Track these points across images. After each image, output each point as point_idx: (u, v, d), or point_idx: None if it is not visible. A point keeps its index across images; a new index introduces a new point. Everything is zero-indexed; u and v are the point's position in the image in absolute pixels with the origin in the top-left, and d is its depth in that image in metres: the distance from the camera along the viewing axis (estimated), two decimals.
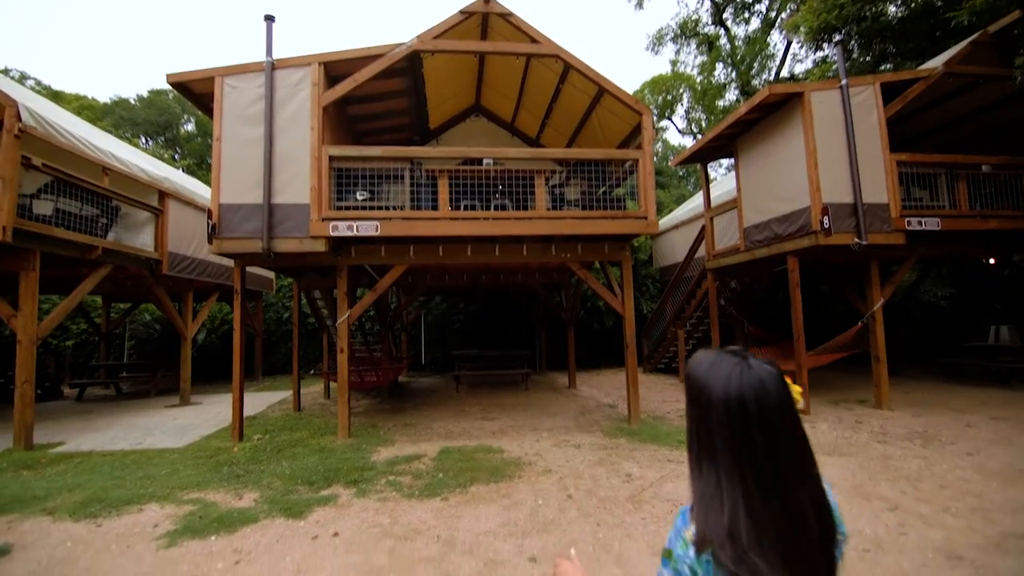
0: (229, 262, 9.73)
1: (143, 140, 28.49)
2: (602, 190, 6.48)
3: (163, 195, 8.62)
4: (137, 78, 64.70)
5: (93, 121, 20.71)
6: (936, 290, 13.99)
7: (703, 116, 24.68)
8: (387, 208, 5.81)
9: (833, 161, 6.64)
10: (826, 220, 6.37)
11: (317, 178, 5.57)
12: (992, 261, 12.69)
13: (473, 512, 3.77)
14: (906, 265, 7.39)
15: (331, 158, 5.66)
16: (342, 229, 5.51)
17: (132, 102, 30.00)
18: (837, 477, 4.41)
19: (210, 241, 5.53)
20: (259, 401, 9.50)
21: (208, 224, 5.49)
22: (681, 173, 29.11)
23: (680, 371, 10.60)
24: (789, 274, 7.10)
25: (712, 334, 9.25)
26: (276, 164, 5.60)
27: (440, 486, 4.33)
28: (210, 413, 8.23)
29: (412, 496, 4.12)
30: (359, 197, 5.86)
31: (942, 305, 13.65)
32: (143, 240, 8.38)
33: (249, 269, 11.39)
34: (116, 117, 27.99)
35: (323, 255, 5.90)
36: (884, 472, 4.52)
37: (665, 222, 13.27)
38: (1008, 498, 3.83)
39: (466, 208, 5.84)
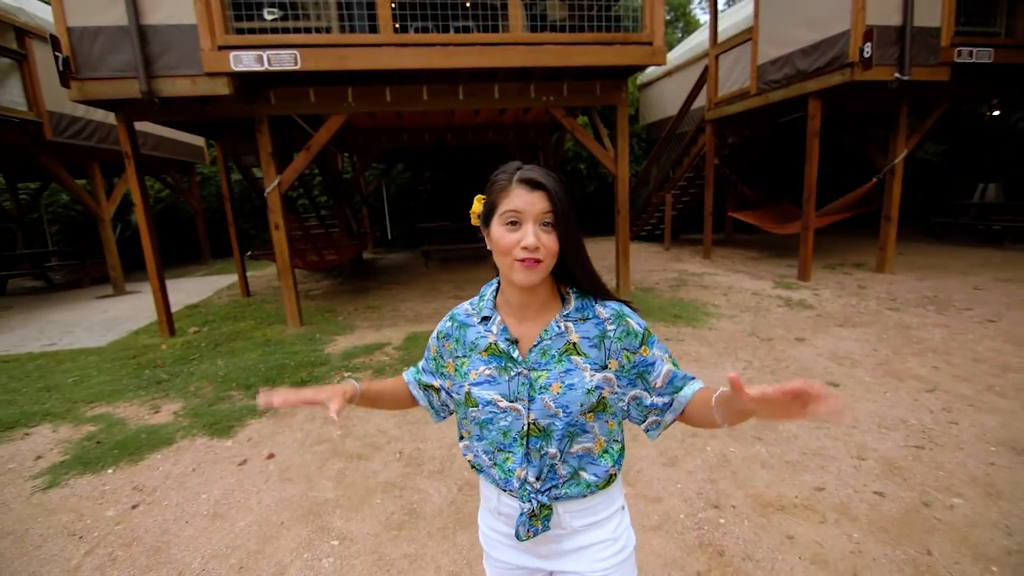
0: (139, 124, 7.97)
1: None
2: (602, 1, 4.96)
3: (23, 34, 6.57)
4: None
5: None
6: (928, 146, 13.17)
7: None
8: (309, 32, 4.29)
9: None
10: (868, 47, 5.14)
11: None
12: (997, 113, 11.77)
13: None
14: (939, 109, 6.37)
15: None
16: (248, 62, 4.06)
17: None
18: (858, 352, 3.90)
19: (65, 83, 4.04)
20: (206, 286, 8.53)
21: (57, 58, 3.96)
22: (668, 17, 25.64)
23: (666, 238, 9.92)
24: (808, 121, 6.02)
25: (706, 196, 8.36)
26: None
27: None
28: (146, 303, 7.23)
29: None
30: (267, 17, 4.29)
31: (934, 162, 12.93)
32: (11, 97, 6.56)
33: (172, 135, 9.59)
34: None
35: (231, 102, 4.50)
36: (907, 345, 4.03)
37: (655, 69, 11.52)
38: None
39: (416, 32, 4.37)
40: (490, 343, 0.91)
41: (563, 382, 0.86)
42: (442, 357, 1.00)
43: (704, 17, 22.52)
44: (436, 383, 1.03)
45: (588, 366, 0.87)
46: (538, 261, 0.82)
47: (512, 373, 0.88)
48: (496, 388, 0.89)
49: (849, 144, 10.98)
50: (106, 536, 2.11)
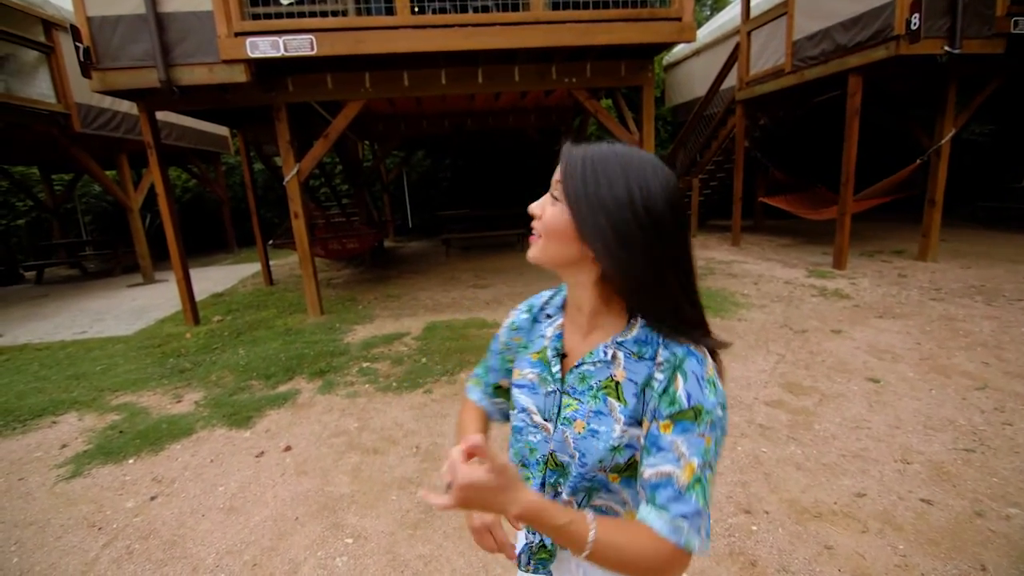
0: (163, 115, 8.08)
1: None
2: None
3: (50, 26, 6.67)
4: None
5: None
6: (975, 127, 12.39)
7: None
8: (325, 16, 4.19)
9: None
10: (916, 18, 4.78)
11: None
12: None
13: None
14: (990, 86, 5.93)
15: None
16: (264, 48, 4.00)
17: None
18: (899, 345, 3.67)
19: (86, 73, 4.06)
20: (231, 275, 8.67)
21: (78, 49, 3.97)
22: None
23: (692, 224, 9.62)
24: (848, 99, 5.67)
25: (735, 181, 8.05)
26: None
27: (423, 374, 3.60)
28: (173, 292, 7.31)
29: (388, 389, 3.39)
30: (283, 1, 4.21)
31: (980, 143, 12.16)
32: (40, 90, 6.69)
33: (196, 125, 9.70)
34: None
35: (249, 90, 4.46)
36: (953, 338, 3.78)
37: (681, 49, 11.09)
38: None
39: (434, 13, 4.23)
40: (543, 347, 0.79)
41: (588, 423, 0.69)
42: (509, 351, 0.87)
43: None
44: (505, 382, 0.89)
45: (623, 417, 0.67)
46: (539, 236, 0.71)
47: (548, 388, 0.75)
48: (533, 398, 0.77)
49: (889, 125, 10.43)
50: (124, 528, 2.12)
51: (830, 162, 6.81)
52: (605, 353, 0.70)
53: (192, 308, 5.21)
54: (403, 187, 12.67)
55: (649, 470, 0.64)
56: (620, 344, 0.69)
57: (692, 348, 0.66)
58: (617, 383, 0.69)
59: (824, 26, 5.85)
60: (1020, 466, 2.23)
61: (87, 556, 1.96)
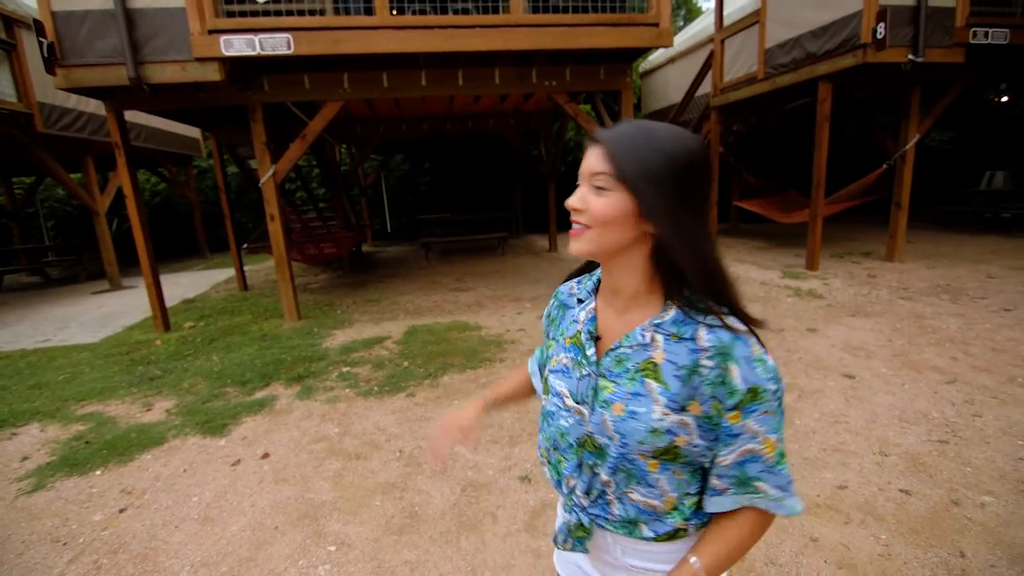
0: (133, 116, 7.82)
1: None
2: None
3: (11, 22, 6.41)
4: None
5: None
6: (936, 134, 12.94)
7: None
8: (303, 15, 4.13)
9: None
10: (881, 28, 4.96)
11: None
12: (1005, 99, 11.57)
13: (446, 412, 3.00)
14: (951, 93, 6.19)
15: None
16: (239, 46, 3.91)
17: None
18: (872, 342, 3.78)
19: (50, 70, 3.89)
20: (203, 280, 8.43)
21: (41, 44, 3.81)
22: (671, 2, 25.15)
23: None
24: (818, 105, 5.84)
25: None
26: None
27: (405, 377, 3.54)
28: (141, 298, 7.09)
29: (370, 393, 3.32)
30: (259, 0, 4.13)
31: (940, 149, 12.71)
32: (0, 88, 6.41)
33: (167, 127, 9.44)
34: None
35: (223, 89, 4.35)
36: (922, 335, 3.90)
37: (658, 56, 11.30)
38: None
39: (414, 14, 4.21)
40: (576, 331, 0.79)
41: (627, 406, 0.69)
42: (548, 338, 0.89)
43: (706, 4, 22.19)
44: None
45: (663, 400, 0.67)
46: (586, 227, 0.70)
47: (583, 372, 0.76)
48: (567, 382, 0.77)
49: (855, 131, 10.81)
50: (91, 542, 2.01)
51: (802, 167, 7.01)
52: (643, 336, 0.71)
53: (162, 314, 5.03)
54: (381, 191, 12.55)
55: (731, 456, 0.68)
56: (658, 326, 0.70)
57: (736, 333, 0.66)
58: (655, 365, 0.69)
59: (795, 35, 6.03)
60: (991, 456, 2.30)
61: (51, 573, 1.85)
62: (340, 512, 2.13)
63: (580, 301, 0.83)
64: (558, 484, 0.81)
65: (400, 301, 5.88)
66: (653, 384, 0.68)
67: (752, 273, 6.30)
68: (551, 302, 0.90)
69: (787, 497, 0.69)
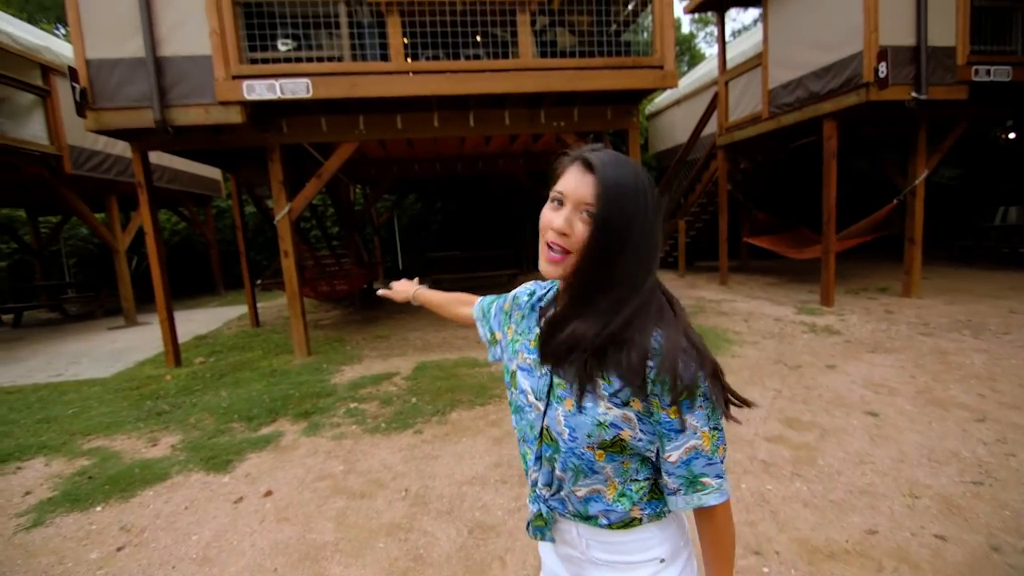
0: (157, 158, 8.14)
1: (57, 27, 24.28)
2: (613, 27, 4.96)
3: (47, 71, 6.81)
4: None
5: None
6: (943, 170, 12.97)
7: None
8: (321, 61, 4.32)
9: None
10: (883, 67, 5.07)
11: (217, 18, 4.01)
12: (1012, 136, 11.64)
13: (454, 449, 2.93)
14: (958, 129, 6.23)
15: None
16: (260, 91, 4.09)
17: None
18: (894, 379, 3.65)
19: (81, 112, 4.09)
20: (217, 317, 8.50)
21: (74, 89, 4.02)
22: (676, 50, 26.09)
23: (680, 264, 9.75)
24: (824, 142, 5.91)
25: (720, 222, 8.23)
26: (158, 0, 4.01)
27: (413, 414, 3.48)
28: (155, 334, 7.13)
29: (377, 430, 3.25)
30: (281, 48, 4.35)
31: (951, 186, 12.71)
32: (33, 131, 6.74)
33: (189, 168, 9.79)
34: (20, 1, 23.51)
35: (243, 131, 4.52)
36: (947, 371, 3.77)
37: (664, 99, 11.62)
38: None
39: (428, 60, 4.39)
40: (537, 334, 0.86)
41: (576, 401, 0.75)
42: (509, 318, 0.98)
43: (709, 50, 22.97)
44: (498, 334, 1.03)
45: (606, 395, 0.73)
46: (566, 252, 0.73)
47: (542, 371, 0.82)
48: (530, 380, 0.85)
49: (864, 169, 10.87)
50: None
51: (812, 203, 7.01)
52: None
53: (174, 349, 5.06)
54: (394, 230, 12.76)
55: (676, 452, 0.73)
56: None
57: (663, 330, 0.72)
58: None
59: (797, 75, 6.18)
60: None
61: None
62: (342, 554, 2.05)
63: (543, 308, 0.90)
64: (526, 474, 0.88)
65: (409, 337, 5.86)
66: (600, 381, 0.74)
67: (766, 309, 6.21)
68: (524, 294, 0.98)
69: (724, 482, 0.75)
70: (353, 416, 3.50)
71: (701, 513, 0.76)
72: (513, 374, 0.89)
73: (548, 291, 0.93)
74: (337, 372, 4.58)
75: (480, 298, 1.16)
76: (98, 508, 2.46)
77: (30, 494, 2.64)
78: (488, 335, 1.07)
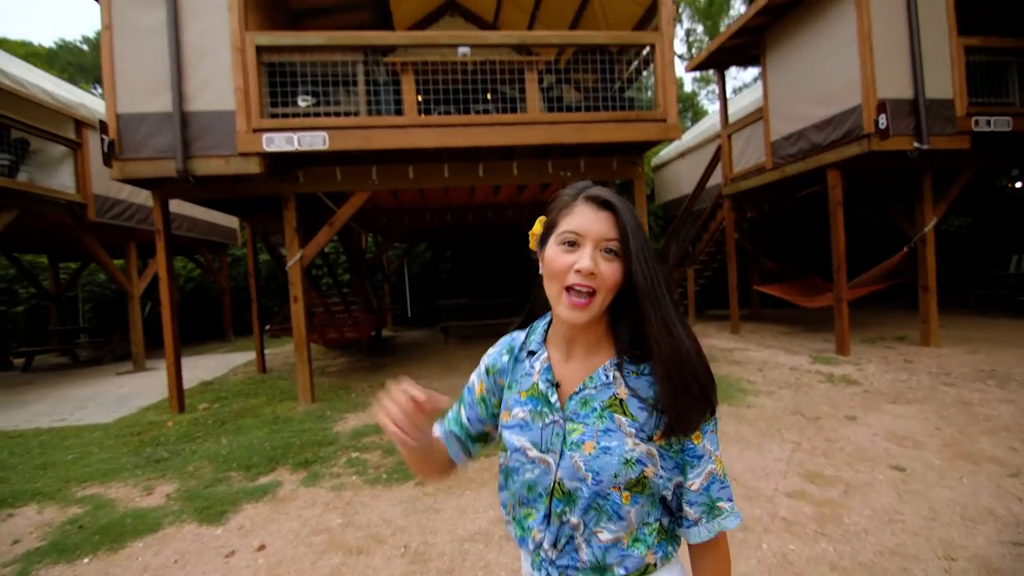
0: (178, 207, 8.43)
1: (94, 87, 25.97)
2: (617, 84, 5.17)
3: (80, 125, 7.19)
4: (81, 19, 58.73)
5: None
6: (953, 219, 12.99)
7: (706, 37, 22.64)
8: (339, 116, 4.52)
9: (889, 49, 5.38)
10: (883, 119, 5.18)
11: (243, 76, 4.26)
12: (1020, 185, 11.71)
13: (456, 502, 2.81)
14: (963, 178, 6.29)
15: (259, 49, 4.32)
16: (279, 143, 4.26)
17: (79, 45, 27.17)
18: (919, 431, 3.49)
19: (108, 163, 4.28)
20: (222, 363, 8.49)
21: (103, 141, 4.22)
22: (678, 106, 27.07)
23: (690, 313, 9.65)
24: (830, 191, 5.97)
25: (729, 270, 8.22)
26: (187, 59, 4.27)
27: None
28: (162, 380, 7.12)
29: (377, 481, 3.14)
30: (301, 104, 4.57)
31: (961, 234, 12.68)
32: (62, 181, 7.05)
33: (207, 217, 10.09)
34: (62, 63, 25.32)
35: (261, 181, 4.68)
36: (973, 423, 3.60)
37: (669, 151, 11.93)
38: None
39: (440, 114, 4.58)
40: (532, 383, 0.81)
41: (599, 443, 0.72)
42: (494, 395, 0.88)
43: (711, 107, 23.81)
44: (487, 428, 0.90)
45: (633, 431, 0.72)
46: (592, 293, 0.71)
47: (547, 420, 0.78)
48: (527, 435, 0.79)
49: (871, 219, 10.91)
50: None
51: (821, 251, 7.01)
52: (606, 375, 0.76)
53: (179, 395, 5.02)
54: (404, 277, 12.89)
55: (698, 480, 0.73)
56: (618, 365, 0.76)
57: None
58: (621, 400, 0.74)
59: (799, 128, 6.33)
60: None
61: None
62: None
63: (532, 353, 0.84)
64: (523, 541, 0.81)
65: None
66: (622, 418, 0.73)
67: (780, 358, 6.07)
68: (501, 357, 0.88)
69: (735, 504, 0.76)
70: (354, 466, 3.40)
71: (706, 545, 0.76)
72: (500, 437, 0.83)
73: (535, 331, 0.86)
74: (340, 420, 4.49)
75: (438, 420, 0.94)
76: (85, 560, 2.36)
77: (18, 543, 2.55)
78: (462, 450, 0.90)
